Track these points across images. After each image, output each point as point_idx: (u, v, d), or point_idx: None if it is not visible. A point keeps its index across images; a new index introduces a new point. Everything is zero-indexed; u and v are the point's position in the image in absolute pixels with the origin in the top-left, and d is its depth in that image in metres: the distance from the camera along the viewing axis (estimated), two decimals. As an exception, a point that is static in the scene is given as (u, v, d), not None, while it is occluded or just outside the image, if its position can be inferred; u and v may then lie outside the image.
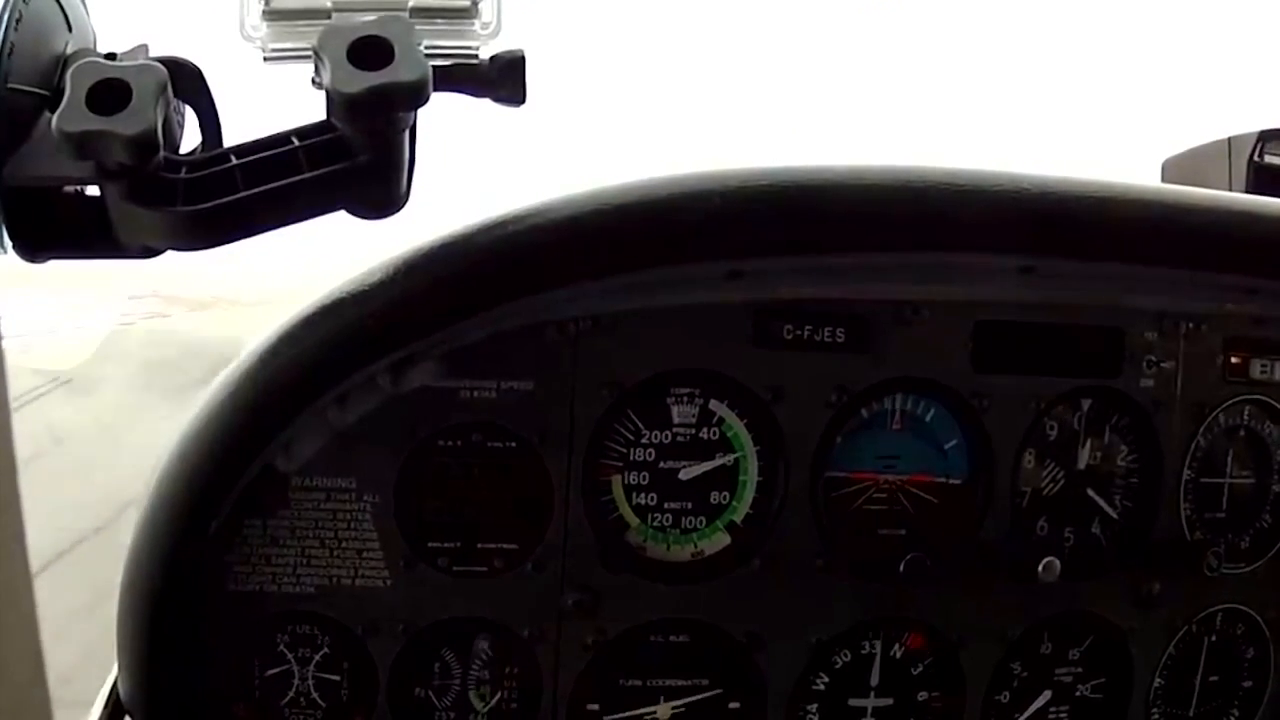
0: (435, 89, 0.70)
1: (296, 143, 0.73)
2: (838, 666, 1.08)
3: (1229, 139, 1.53)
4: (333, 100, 0.71)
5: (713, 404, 1.01)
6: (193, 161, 0.72)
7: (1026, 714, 1.11)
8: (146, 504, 0.93)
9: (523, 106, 0.81)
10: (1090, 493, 1.08)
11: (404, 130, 0.74)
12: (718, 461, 1.02)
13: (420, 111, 0.73)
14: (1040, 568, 1.07)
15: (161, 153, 0.67)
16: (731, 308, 0.99)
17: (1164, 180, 1.65)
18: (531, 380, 0.97)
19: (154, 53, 0.75)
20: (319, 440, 0.95)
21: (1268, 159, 1.48)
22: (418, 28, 0.72)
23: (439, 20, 0.78)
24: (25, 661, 0.57)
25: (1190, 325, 1.07)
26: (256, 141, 0.74)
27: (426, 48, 0.72)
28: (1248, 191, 1.51)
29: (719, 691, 1.06)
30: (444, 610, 1.01)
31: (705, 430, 1.02)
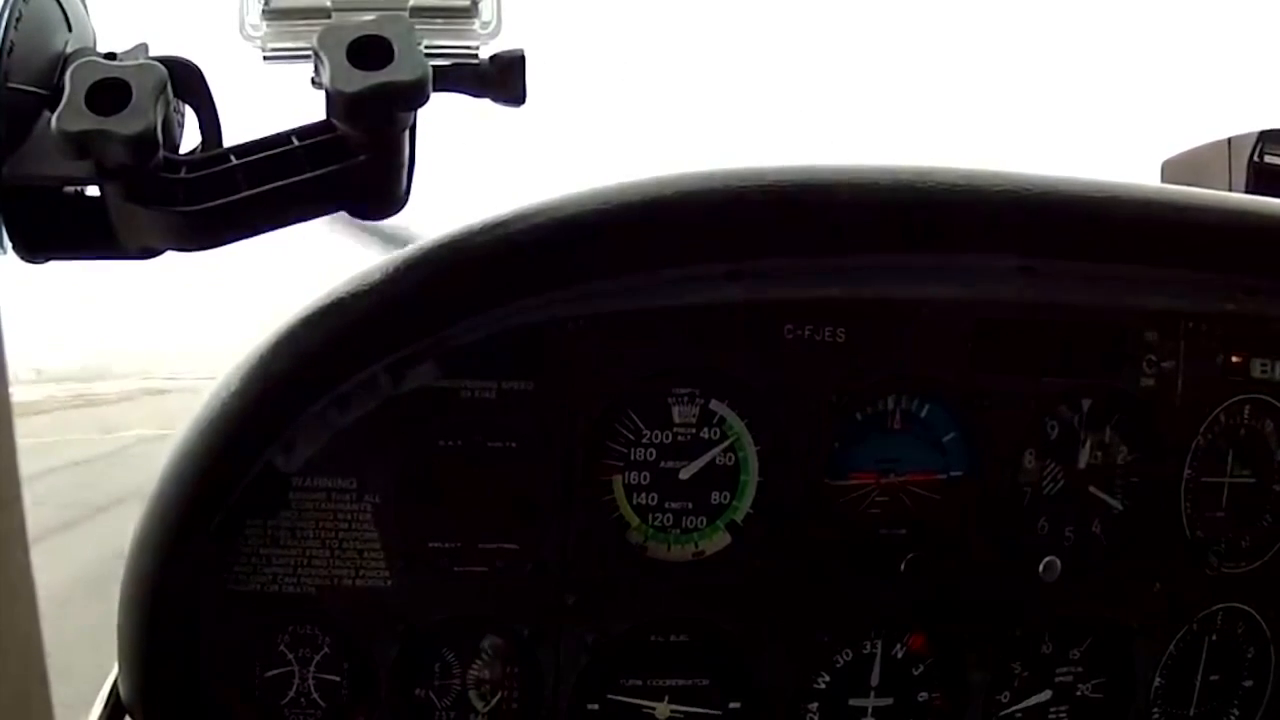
0: (435, 89, 0.70)
1: (296, 142, 0.73)
2: (838, 666, 1.07)
3: (1229, 139, 1.53)
4: (333, 100, 0.71)
5: (713, 404, 1.01)
6: (192, 161, 0.72)
7: (1022, 705, 1.11)
8: (148, 504, 0.93)
9: (522, 106, 0.82)
10: (1093, 489, 1.08)
11: (404, 130, 0.74)
12: (712, 453, 1.01)
13: (420, 112, 0.73)
14: (1041, 567, 1.07)
15: (161, 152, 0.67)
16: (731, 308, 0.99)
17: (1164, 180, 1.65)
18: (531, 380, 0.97)
19: (154, 52, 0.75)
20: (319, 440, 0.95)
21: (1267, 159, 1.49)
22: (417, 27, 0.72)
23: (438, 20, 0.78)
24: (25, 660, 0.57)
25: (1190, 324, 1.07)
26: (256, 141, 0.74)
27: (426, 47, 0.72)
28: (1247, 192, 1.52)
29: (719, 691, 1.06)
30: (445, 610, 1.01)
31: (706, 430, 1.02)
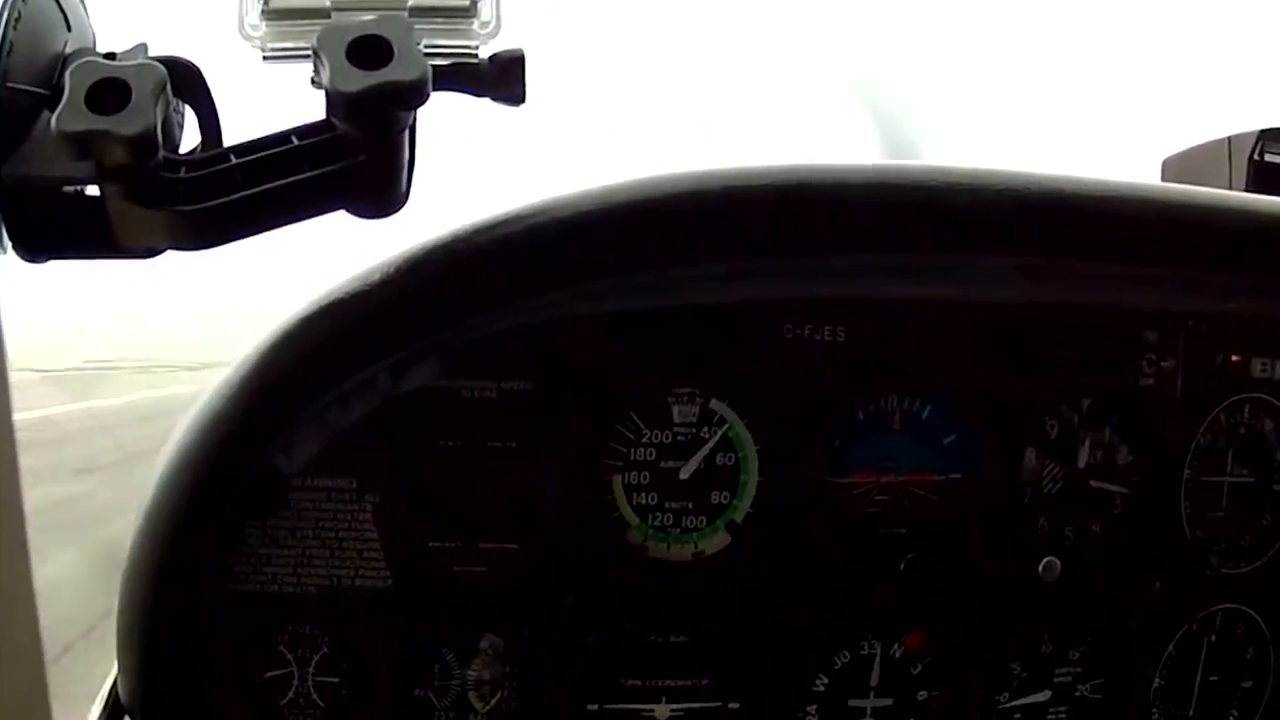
0: (434, 88, 0.70)
1: (296, 142, 0.73)
2: (837, 667, 1.08)
3: (1229, 138, 1.53)
4: (332, 99, 0.72)
5: (713, 403, 1.01)
6: (192, 161, 0.72)
7: (1021, 705, 1.11)
8: (148, 504, 0.93)
9: (522, 105, 0.82)
10: (1094, 483, 1.08)
11: (403, 129, 0.74)
12: (708, 446, 1.01)
13: (420, 111, 0.73)
14: (1040, 567, 1.07)
15: (161, 152, 0.67)
16: (732, 308, 0.99)
17: (1164, 179, 1.65)
18: (531, 380, 0.97)
19: (153, 52, 0.75)
20: (319, 440, 0.95)
21: (1268, 158, 1.49)
22: (417, 27, 0.72)
23: (438, 19, 0.78)
24: (25, 661, 0.57)
25: (1190, 324, 1.07)
26: (256, 141, 0.74)
27: (425, 47, 0.73)
28: (1248, 190, 1.52)
29: (718, 692, 1.06)
30: (444, 610, 1.01)
31: (706, 430, 1.02)
